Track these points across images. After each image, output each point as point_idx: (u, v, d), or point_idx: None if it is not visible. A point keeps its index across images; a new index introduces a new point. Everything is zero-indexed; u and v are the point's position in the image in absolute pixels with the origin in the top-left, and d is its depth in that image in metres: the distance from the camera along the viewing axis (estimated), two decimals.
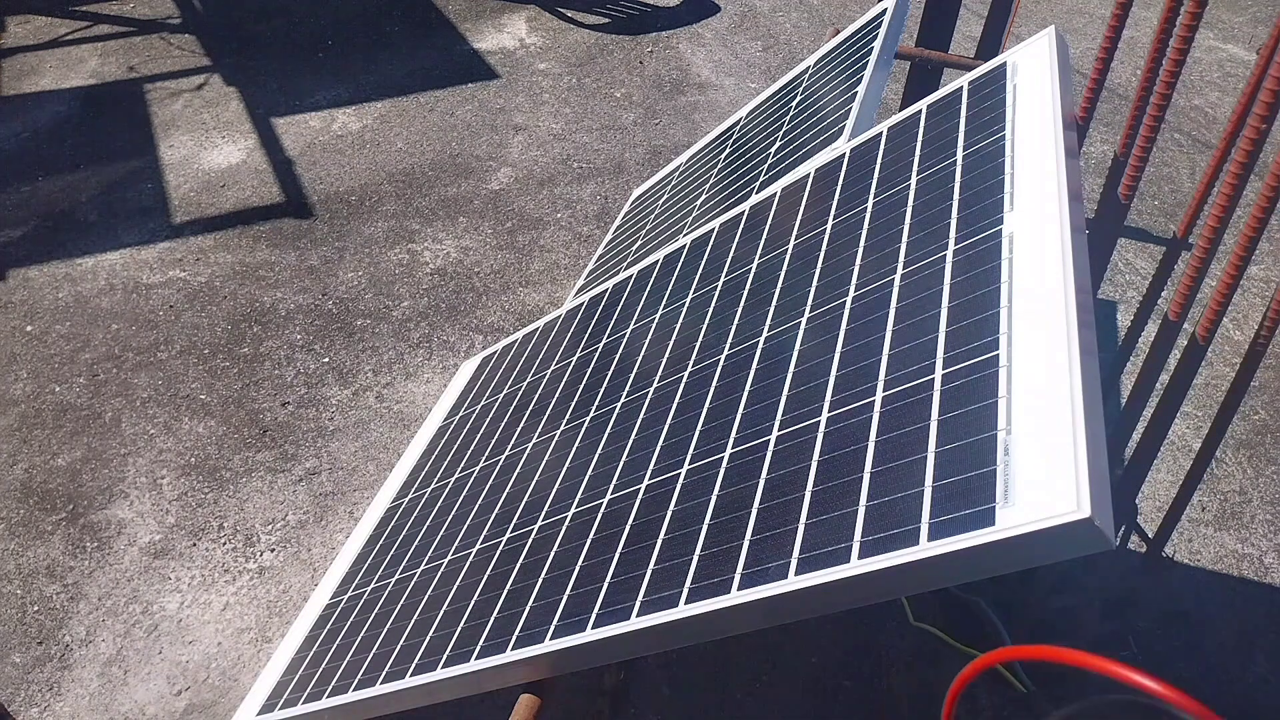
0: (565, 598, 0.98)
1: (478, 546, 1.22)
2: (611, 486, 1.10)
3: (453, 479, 1.45)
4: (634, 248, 2.06)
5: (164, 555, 2.03)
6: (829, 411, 0.93)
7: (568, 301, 1.78)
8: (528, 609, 1.02)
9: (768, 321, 1.15)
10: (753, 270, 1.29)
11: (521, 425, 1.42)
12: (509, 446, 1.39)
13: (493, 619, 1.05)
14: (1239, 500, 2.07)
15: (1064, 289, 0.83)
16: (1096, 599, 1.81)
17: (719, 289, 1.32)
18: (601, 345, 1.45)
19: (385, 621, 1.22)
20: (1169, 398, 1.45)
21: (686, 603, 0.84)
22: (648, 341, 1.34)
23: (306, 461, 2.23)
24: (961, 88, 1.28)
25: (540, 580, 1.05)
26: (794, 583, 0.77)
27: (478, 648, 1.02)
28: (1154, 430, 1.50)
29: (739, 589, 0.81)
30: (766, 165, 1.75)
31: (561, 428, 1.32)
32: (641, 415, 1.18)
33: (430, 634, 1.11)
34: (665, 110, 3.51)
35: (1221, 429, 1.45)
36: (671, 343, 1.29)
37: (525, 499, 1.23)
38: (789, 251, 1.26)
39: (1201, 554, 1.96)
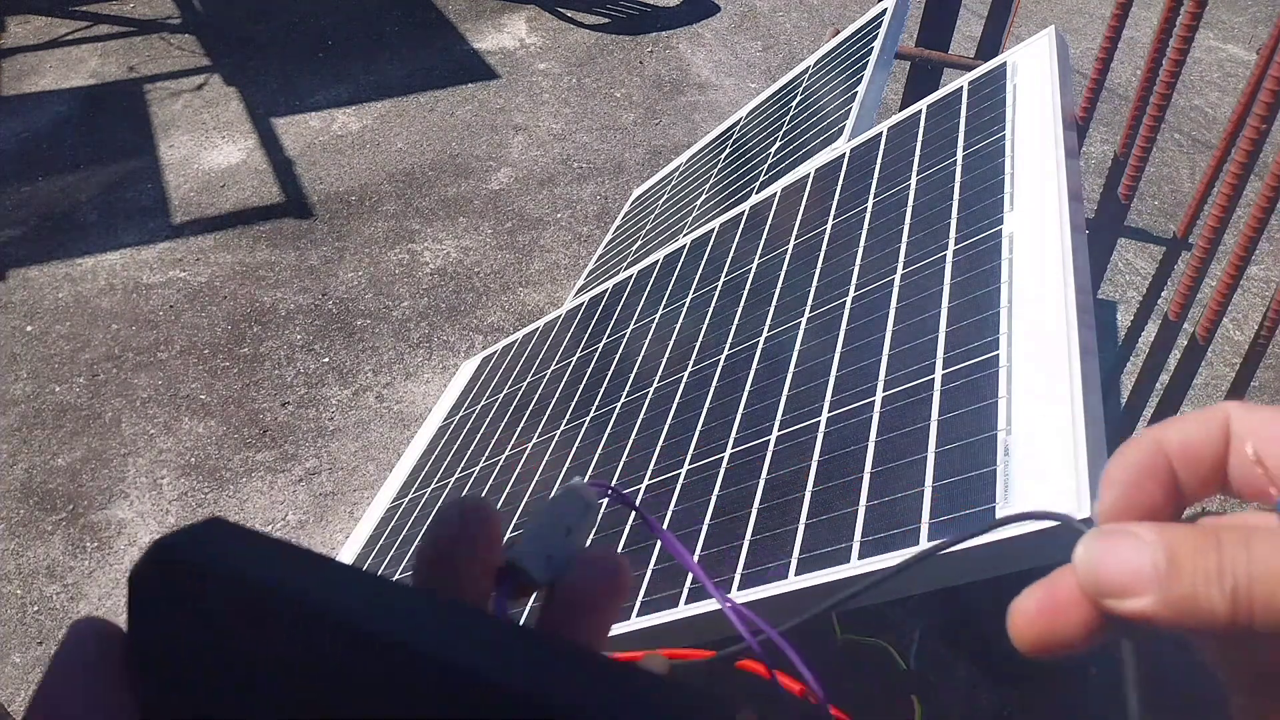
0: None
1: None
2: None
3: (453, 479, 1.45)
4: (634, 248, 2.06)
5: None
6: (829, 411, 0.92)
7: (568, 301, 1.78)
8: None
9: (768, 321, 1.15)
10: (753, 270, 1.29)
11: (521, 425, 1.42)
12: (509, 446, 1.39)
13: None
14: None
15: (1064, 289, 0.83)
16: None
17: (719, 289, 1.32)
18: (601, 345, 1.45)
19: None
20: (1169, 398, 1.45)
21: (686, 603, 0.84)
22: (648, 341, 1.34)
23: (306, 461, 2.23)
24: (961, 88, 1.28)
25: None
26: (794, 583, 0.77)
27: None
28: None
29: (739, 589, 0.81)
30: (766, 165, 1.75)
31: (561, 428, 1.32)
32: (641, 415, 1.18)
33: None
34: (665, 110, 3.51)
35: None
36: (671, 343, 1.29)
37: (525, 499, 1.23)
38: (789, 251, 1.26)
39: None
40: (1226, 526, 0.21)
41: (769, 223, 1.38)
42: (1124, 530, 0.22)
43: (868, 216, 1.18)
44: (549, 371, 1.51)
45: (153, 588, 0.18)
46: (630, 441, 1.15)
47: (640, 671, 0.17)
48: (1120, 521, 0.24)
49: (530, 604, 0.94)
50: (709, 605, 0.82)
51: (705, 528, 0.91)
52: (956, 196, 1.07)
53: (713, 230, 1.51)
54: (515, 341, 1.76)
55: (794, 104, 1.93)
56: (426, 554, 0.22)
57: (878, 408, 0.88)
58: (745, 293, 1.25)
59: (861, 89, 1.62)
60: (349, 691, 0.16)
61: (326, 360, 2.50)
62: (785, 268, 1.23)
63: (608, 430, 1.21)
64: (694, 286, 1.38)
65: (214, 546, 0.18)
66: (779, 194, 1.44)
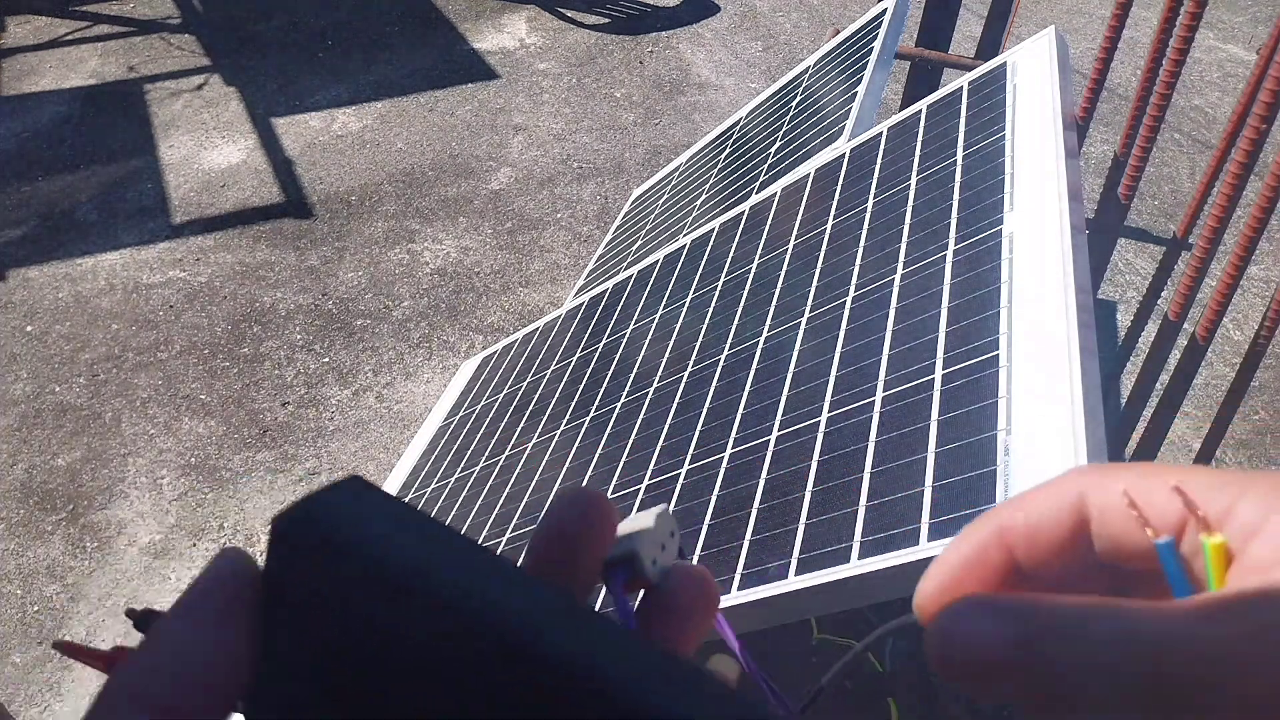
0: None
1: None
2: (611, 487, 1.10)
3: (453, 479, 1.45)
4: (634, 248, 2.06)
5: (164, 555, 2.03)
6: (829, 411, 0.92)
7: (568, 301, 1.78)
8: None
9: (768, 321, 1.15)
10: (753, 270, 1.29)
11: (522, 425, 1.42)
12: (509, 446, 1.39)
13: None
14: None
15: (1064, 289, 0.83)
16: None
17: (719, 289, 1.32)
18: (601, 345, 1.45)
19: None
20: (1169, 398, 1.45)
21: None
22: (648, 341, 1.34)
23: (306, 461, 2.23)
24: (961, 88, 1.28)
25: None
26: (794, 583, 0.77)
27: None
28: (1154, 430, 1.50)
29: (738, 589, 0.81)
30: (766, 165, 1.75)
31: (562, 428, 1.32)
32: (641, 415, 1.18)
33: None
34: (665, 110, 3.51)
35: (1221, 429, 1.45)
36: (671, 343, 1.29)
37: (525, 499, 1.23)
38: (789, 251, 1.26)
39: None
40: (1092, 599, 0.19)
41: (769, 223, 1.38)
42: (979, 605, 0.20)
43: (868, 216, 1.18)
44: (549, 371, 1.51)
45: (290, 543, 0.19)
46: (630, 441, 1.15)
47: (729, 685, 0.18)
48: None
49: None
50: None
51: (705, 528, 0.91)
52: (956, 196, 1.07)
53: (713, 230, 1.51)
54: (515, 341, 1.76)
55: (794, 104, 1.93)
56: (545, 537, 0.22)
57: (878, 408, 0.88)
58: (745, 293, 1.25)
59: (861, 89, 1.62)
60: (464, 680, 0.17)
61: (326, 360, 2.50)
62: (785, 268, 1.23)
63: (608, 430, 1.22)
64: (694, 286, 1.38)
65: (356, 513, 0.19)
66: (779, 194, 1.44)
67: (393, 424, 2.32)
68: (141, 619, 0.24)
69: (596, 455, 1.19)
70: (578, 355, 1.48)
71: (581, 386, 1.38)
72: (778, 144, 1.80)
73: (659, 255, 1.59)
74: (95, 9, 4.17)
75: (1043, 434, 0.72)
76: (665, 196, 2.22)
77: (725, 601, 0.81)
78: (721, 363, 1.15)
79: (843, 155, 1.39)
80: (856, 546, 0.76)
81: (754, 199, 1.50)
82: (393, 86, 3.64)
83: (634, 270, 1.61)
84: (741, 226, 1.44)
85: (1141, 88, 1.40)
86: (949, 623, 0.20)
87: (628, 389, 1.27)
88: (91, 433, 2.30)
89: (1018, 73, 1.19)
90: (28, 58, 3.81)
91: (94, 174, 3.16)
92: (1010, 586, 0.23)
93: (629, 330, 1.42)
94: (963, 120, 1.20)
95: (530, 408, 1.45)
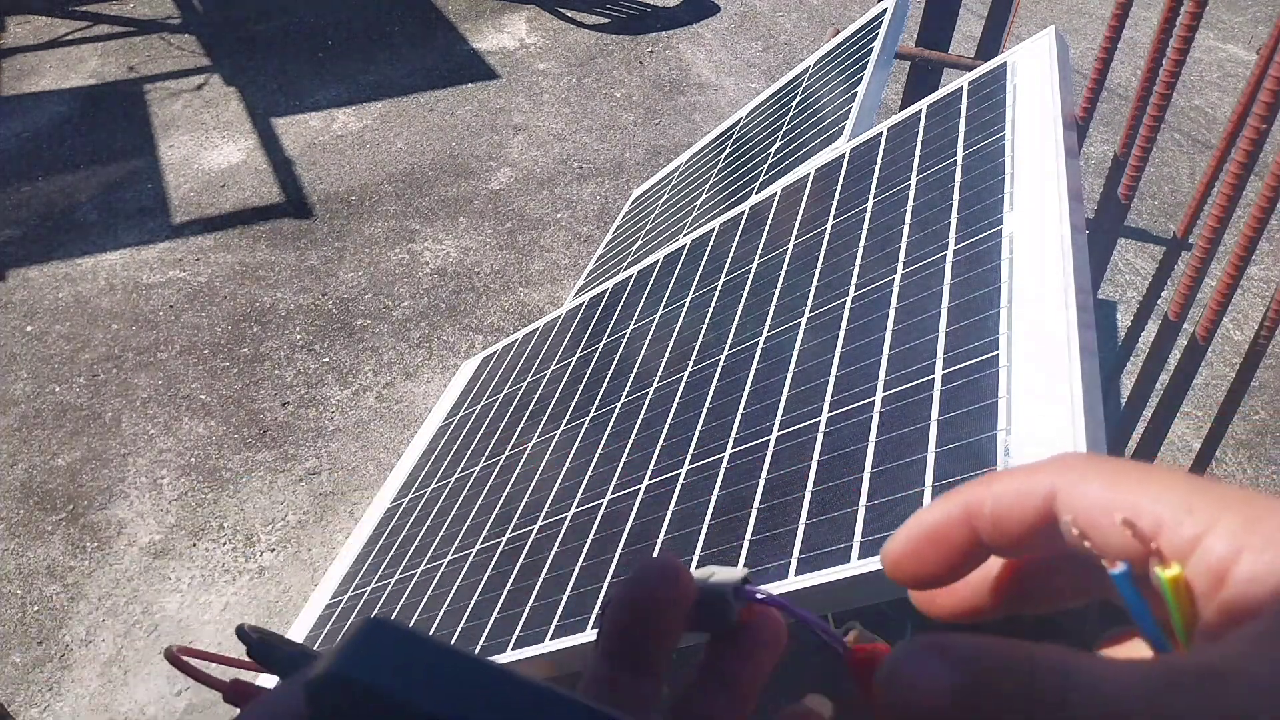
0: (565, 598, 0.98)
1: (478, 546, 1.22)
2: (611, 487, 1.10)
3: (453, 479, 1.45)
4: (634, 248, 2.06)
5: (164, 555, 2.03)
6: (829, 411, 0.92)
7: (568, 301, 1.78)
8: (528, 609, 1.02)
9: (768, 321, 1.15)
10: (753, 270, 1.29)
11: (521, 425, 1.42)
12: (509, 446, 1.39)
13: (492, 619, 1.05)
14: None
15: (1064, 289, 0.83)
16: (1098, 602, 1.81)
17: (719, 289, 1.32)
18: (601, 345, 1.45)
19: None
20: (1169, 398, 1.45)
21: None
22: (647, 342, 1.34)
23: (306, 461, 2.23)
24: (961, 88, 1.28)
25: (540, 580, 1.05)
26: (794, 583, 0.77)
27: (477, 648, 1.02)
28: (1154, 430, 1.50)
29: None
30: (766, 165, 1.75)
31: (561, 428, 1.32)
32: (641, 415, 1.18)
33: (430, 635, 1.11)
34: (665, 110, 3.51)
35: (1221, 429, 1.45)
36: (671, 343, 1.29)
37: (525, 499, 1.23)
38: (789, 251, 1.26)
39: None
40: (1044, 648, 0.19)
41: (769, 223, 1.38)
42: (927, 648, 0.20)
43: (868, 216, 1.18)
44: (549, 371, 1.51)
45: (328, 705, 0.20)
46: (630, 441, 1.15)
47: None
48: (903, 568, 0.24)
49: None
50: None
51: (705, 528, 0.91)
52: (956, 196, 1.07)
53: (713, 230, 1.51)
54: (515, 341, 1.76)
55: (794, 104, 1.93)
56: (622, 612, 0.25)
57: (878, 408, 0.88)
58: (745, 293, 1.25)
59: (861, 89, 1.62)
60: None
61: (326, 360, 2.50)
62: (785, 268, 1.23)
63: (608, 430, 1.22)
64: (694, 286, 1.38)
65: (388, 667, 0.19)
66: (779, 194, 1.44)
67: (393, 424, 2.32)
68: (258, 643, 0.25)
69: (596, 455, 1.19)
70: (578, 355, 1.48)
71: (581, 386, 1.38)
72: (778, 144, 1.80)
73: (659, 255, 1.59)
74: (95, 9, 4.17)
75: (1043, 434, 0.72)
76: (665, 196, 2.22)
77: None
78: (721, 363, 1.15)
79: (843, 155, 1.39)
80: (856, 546, 0.76)
81: (754, 199, 1.50)
82: (393, 86, 3.64)
83: (634, 270, 1.62)
84: (741, 226, 1.44)
85: (1141, 88, 1.40)
86: (895, 664, 0.20)
87: (628, 389, 1.27)
88: (91, 433, 2.30)
89: (1018, 73, 1.19)
90: (28, 58, 3.81)
91: (94, 174, 3.16)
92: (973, 561, 0.24)
93: (629, 330, 1.42)
94: (963, 120, 1.20)
95: (530, 408, 1.45)
